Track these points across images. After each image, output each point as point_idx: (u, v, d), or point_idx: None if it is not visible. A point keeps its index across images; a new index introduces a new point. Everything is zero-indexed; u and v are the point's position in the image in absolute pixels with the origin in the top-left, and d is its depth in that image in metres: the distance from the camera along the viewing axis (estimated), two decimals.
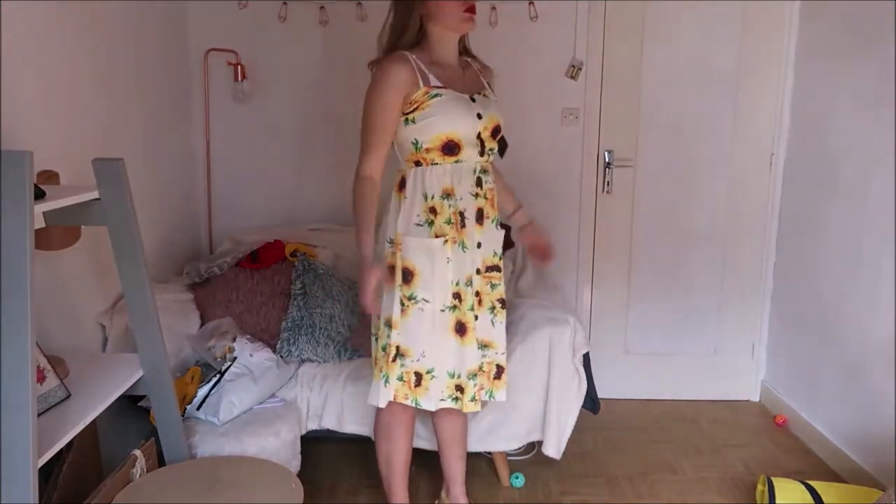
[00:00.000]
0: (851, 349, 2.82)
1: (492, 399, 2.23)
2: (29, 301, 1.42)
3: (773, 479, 2.50)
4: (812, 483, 2.48)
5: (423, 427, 2.56)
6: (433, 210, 2.07)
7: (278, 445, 2.32)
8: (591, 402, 2.68)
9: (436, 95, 2.02)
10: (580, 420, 2.62)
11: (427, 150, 2.05)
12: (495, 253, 2.17)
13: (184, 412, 2.30)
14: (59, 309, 2.26)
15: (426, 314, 2.08)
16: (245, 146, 3.43)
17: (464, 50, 2.21)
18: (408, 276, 2.07)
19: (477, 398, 2.16)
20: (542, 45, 3.31)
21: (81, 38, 2.38)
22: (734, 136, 3.37)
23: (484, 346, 2.17)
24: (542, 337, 2.54)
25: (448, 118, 2.02)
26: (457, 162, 2.06)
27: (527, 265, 3.10)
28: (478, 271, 2.13)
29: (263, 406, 2.47)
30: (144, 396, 2.32)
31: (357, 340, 2.71)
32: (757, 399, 3.56)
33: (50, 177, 1.92)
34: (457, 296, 2.09)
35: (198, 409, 2.33)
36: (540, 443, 2.62)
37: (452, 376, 2.13)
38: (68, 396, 1.79)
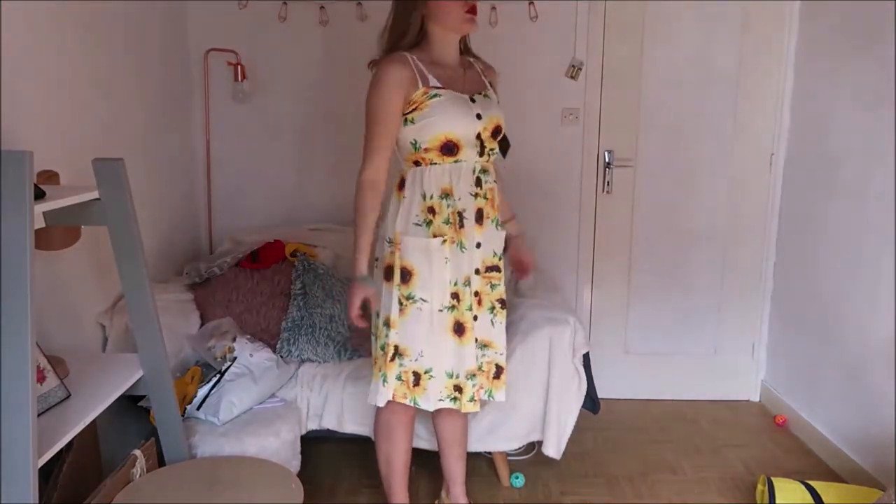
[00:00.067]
0: (851, 349, 2.82)
1: (491, 399, 2.23)
2: (29, 301, 1.42)
3: (773, 479, 2.50)
4: (812, 483, 2.48)
5: (423, 427, 2.56)
6: (431, 210, 2.07)
7: (278, 445, 2.32)
8: (591, 402, 2.68)
9: (434, 96, 2.02)
10: (580, 420, 2.62)
11: (426, 150, 2.05)
12: (495, 253, 2.16)
13: (184, 412, 2.30)
14: (59, 309, 2.26)
15: (424, 314, 2.08)
16: (245, 146, 3.43)
17: (466, 49, 2.21)
18: (406, 275, 2.08)
19: (476, 398, 2.16)
20: (542, 45, 3.31)
21: (81, 38, 2.38)
22: (734, 136, 3.37)
23: (483, 345, 2.17)
24: (542, 337, 2.54)
25: (446, 118, 2.02)
26: (456, 162, 2.07)
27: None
28: (477, 271, 2.13)
29: (263, 406, 2.47)
30: (144, 396, 2.32)
31: (357, 340, 2.71)
32: (757, 399, 3.57)
33: (50, 177, 1.92)
34: (455, 296, 2.09)
35: (198, 409, 2.33)
36: (540, 443, 2.62)
37: (451, 376, 2.13)
38: (68, 396, 1.79)
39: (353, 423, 2.58)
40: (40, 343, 1.75)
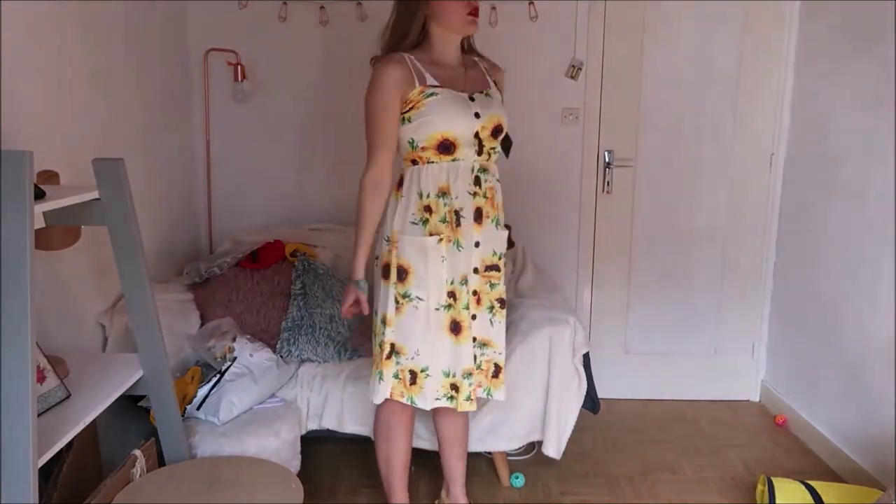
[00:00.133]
0: (851, 349, 2.82)
1: (489, 397, 2.23)
2: (29, 301, 1.42)
3: (773, 479, 2.50)
4: (812, 483, 2.48)
5: (423, 427, 2.56)
6: (428, 208, 2.07)
7: (278, 445, 2.32)
8: (591, 402, 2.68)
9: (431, 95, 2.03)
10: (580, 420, 2.62)
11: (423, 148, 2.05)
12: (495, 252, 2.16)
13: (184, 412, 2.30)
14: (59, 309, 2.26)
15: (420, 312, 2.09)
16: (245, 146, 3.43)
17: (470, 49, 2.21)
18: (402, 273, 2.09)
19: (473, 397, 2.16)
20: (542, 45, 3.31)
21: (81, 38, 2.38)
22: (734, 136, 3.37)
23: (482, 344, 2.17)
24: (542, 337, 2.54)
25: (442, 117, 2.02)
26: (454, 161, 2.07)
27: (527, 265, 3.10)
28: (475, 270, 2.12)
29: (263, 406, 2.47)
30: (144, 396, 2.32)
31: (357, 340, 2.71)
32: (757, 399, 3.57)
33: (50, 177, 1.92)
34: (452, 294, 2.10)
35: (198, 409, 2.33)
36: (540, 443, 2.62)
37: (447, 375, 2.14)
38: (68, 396, 1.79)
39: (353, 423, 2.58)
40: (40, 343, 1.75)
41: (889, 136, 2.60)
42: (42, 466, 1.55)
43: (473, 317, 2.13)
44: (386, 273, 2.11)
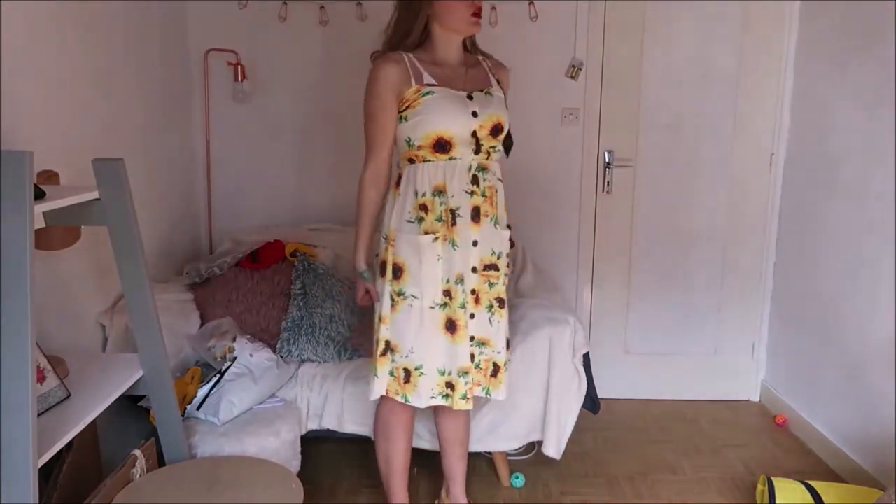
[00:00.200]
0: (851, 349, 2.82)
1: (488, 396, 2.22)
2: (29, 301, 1.42)
3: (773, 479, 2.50)
4: (812, 483, 2.48)
5: (423, 427, 2.56)
6: (424, 207, 2.08)
7: (278, 445, 2.32)
8: (591, 402, 2.68)
9: (427, 93, 2.04)
10: (580, 420, 2.62)
11: (419, 147, 2.06)
12: (493, 251, 2.15)
13: (184, 412, 2.30)
14: (59, 309, 2.26)
15: (415, 310, 2.10)
16: (245, 146, 3.43)
17: (473, 48, 2.21)
18: (398, 271, 2.10)
19: (469, 396, 2.15)
20: (542, 45, 3.31)
21: (81, 38, 2.38)
22: (734, 136, 3.37)
23: (481, 343, 2.16)
24: (542, 337, 2.54)
25: (438, 116, 2.03)
26: (451, 159, 2.07)
27: (527, 265, 3.10)
28: (474, 269, 2.12)
29: (263, 406, 2.47)
30: (144, 396, 2.32)
31: (357, 340, 2.71)
32: (757, 399, 3.56)
33: (50, 177, 1.92)
34: (447, 293, 2.10)
35: (198, 409, 2.33)
36: (540, 443, 2.62)
37: (443, 374, 2.14)
38: (68, 396, 1.79)
39: (353, 423, 2.58)
40: (40, 343, 1.75)
41: (889, 136, 2.60)
42: (42, 466, 1.54)
43: (472, 316, 2.13)
44: (383, 270, 2.13)
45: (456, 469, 2.42)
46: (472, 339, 2.14)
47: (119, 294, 2.56)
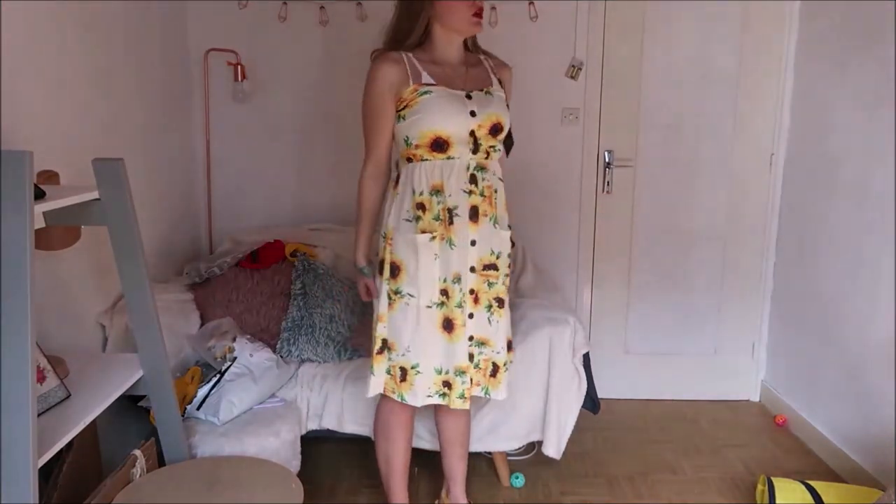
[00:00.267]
0: (851, 349, 2.82)
1: (487, 396, 2.22)
2: (29, 301, 1.42)
3: (773, 479, 2.50)
4: (812, 483, 2.48)
5: (423, 427, 2.56)
6: (421, 206, 2.08)
7: (278, 445, 2.32)
8: (591, 402, 2.68)
9: (425, 93, 2.04)
10: (580, 420, 2.62)
11: (416, 146, 2.07)
12: (493, 251, 2.14)
13: (184, 412, 2.30)
14: (59, 309, 2.26)
15: (411, 309, 2.10)
16: (245, 146, 3.43)
17: (474, 47, 2.21)
18: (395, 270, 2.11)
19: (466, 396, 2.15)
20: (542, 45, 3.31)
21: (81, 38, 2.38)
22: (734, 136, 3.37)
23: (481, 343, 2.16)
24: (542, 337, 2.54)
25: (435, 115, 2.03)
26: (448, 159, 2.07)
27: (527, 265, 3.10)
28: (472, 269, 2.11)
29: (263, 406, 2.47)
30: (144, 396, 2.32)
31: (357, 340, 2.70)
32: (757, 399, 3.56)
33: (50, 177, 1.92)
34: (444, 292, 2.10)
35: (198, 409, 2.33)
36: (540, 443, 2.62)
37: (440, 372, 2.14)
38: (68, 396, 1.79)
39: (353, 423, 2.58)
40: (40, 343, 1.75)
41: (889, 136, 2.60)
42: (42, 466, 1.54)
43: (471, 315, 2.12)
44: (381, 269, 2.14)
45: (456, 469, 2.42)
46: (471, 338, 2.14)
47: (119, 294, 2.56)
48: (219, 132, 3.41)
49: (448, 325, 2.11)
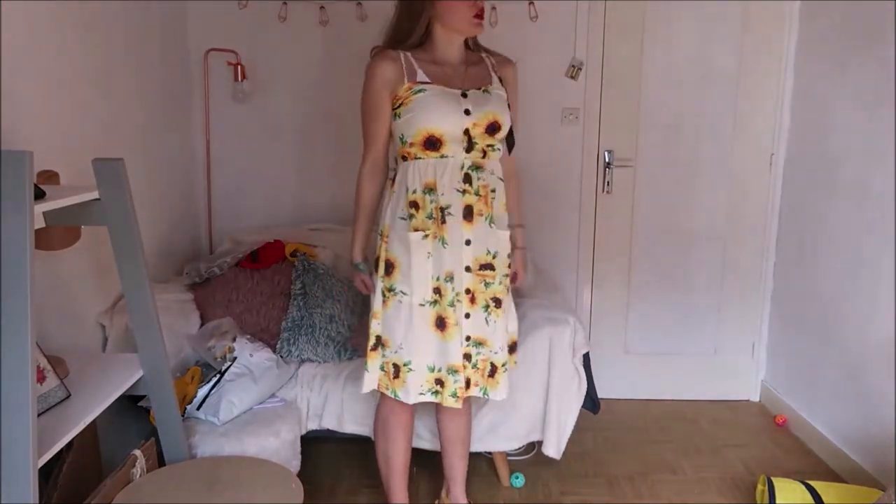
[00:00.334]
0: (851, 349, 2.82)
1: (486, 397, 2.22)
2: (29, 301, 1.42)
3: (773, 479, 2.50)
4: (812, 483, 2.48)
5: (424, 427, 2.56)
6: (414, 204, 2.09)
7: (278, 445, 2.32)
8: (591, 402, 2.68)
9: (419, 91, 2.05)
10: (580, 420, 2.62)
11: (410, 144, 2.07)
12: (489, 251, 2.13)
13: (184, 412, 2.30)
14: (59, 309, 2.26)
15: (404, 307, 2.11)
16: (245, 146, 3.43)
17: (476, 46, 2.21)
18: (389, 268, 2.12)
19: (459, 395, 2.15)
20: (542, 45, 3.31)
21: (81, 38, 2.38)
22: (734, 136, 3.37)
23: (478, 343, 2.16)
24: (542, 337, 2.54)
25: (428, 114, 2.03)
26: (442, 157, 2.07)
27: (527, 265, 3.09)
28: (468, 269, 2.11)
29: (263, 406, 2.47)
30: (144, 396, 2.32)
31: (357, 340, 2.70)
32: (757, 399, 3.56)
33: (50, 177, 1.92)
34: (437, 291, 2.10)
35: (198, 409, 2.33)
36: (540, 443, 2.62)
37: (432, 370, 2.14)
38: (68, 396, 1.79)
39: (353, 423, 2.58)
40: (40, 343, 1.75)
41: (889, 136, 2.60)
42: (42, 466, 1.54)
43: (467, 315, 2.12)
44: (377, 266, 2.16)
45: (456, 469, 2.42)
46: (468, 338, 2.14)
47: (119, 294, 2.56)
48: (219, 132, 3.41)
49: (441, 324, 2.12)
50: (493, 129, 2.10)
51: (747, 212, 3.43)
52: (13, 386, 1.42)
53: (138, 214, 1.88)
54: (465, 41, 2.16)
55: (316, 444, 2.85)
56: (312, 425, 2.59)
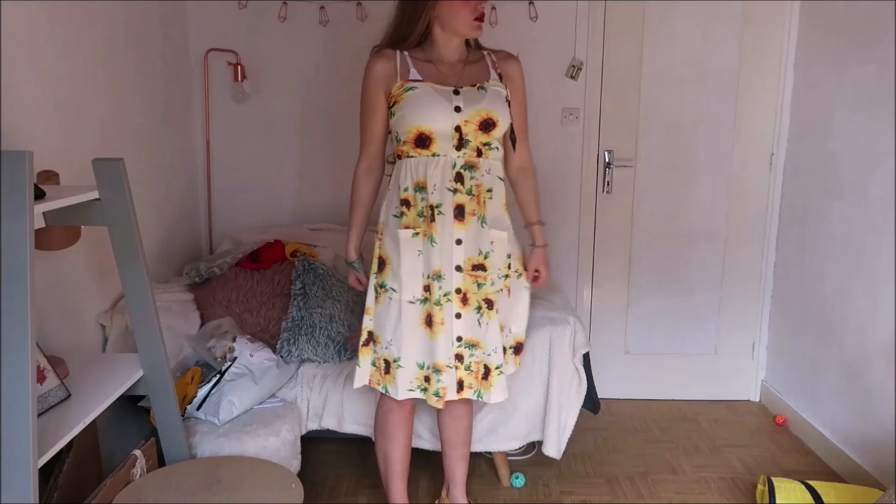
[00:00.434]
0: (851, 349, 2.82)
1: (480, 399, 2.21)
2: (29, 301, 1.42)
3: (773, 479, 2.50)
4: (812, 483, 2.48)
5: (424, 427, 2.56)
6: (406, 202, 2.10)
7: (278, 445, 2.32)
8: (591, 402, 2.68)
9: (410, 89, 2.06)
10: (580, 420, 2.62)
11: (403, 142, 2.09)
12: (480, 251, 2.11)
13: (184, 412, 2.30)
14: (59, 309, 2.26)
15: (394, 304, 2.12)
16: (245, 146, 3.43)
17: (477, 45, 2.21)
18: (382, 264, 2.15)
19: (442, 395, 2.14)
20: (542, 45, 3.30)
21: (81, 38, 2.38)
22: (734, 136, 3.37)
23: (471, 345, 2.14)
24: (542, 337, 2.54)
25: (418, 111, 2.04)
26: (433, 155, 2.07)
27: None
28: (459, 269, 2.09)
29: (263, 406, 2.47)
30: (144, 396, 2.32)
31: (357, 340, 2.70)
32: (757, 399, 3.56)
33: (50, 177, 1.92)
34: (427, 289, 2.11)
35: (198, 409, 2.33)
36: (540, 443, 2.62)
37: (422, 367, 2.15)
38: (68, 396, 1.79)
39: (353, 423, 2.58)
40: (40, 343, 1.75)
41: (889, 136, 2.60)
42: (42, 466, 1.54)
43: (458, 315, 2.11)
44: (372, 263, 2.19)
45: (456, 469, 2.42)
46: (459, 339, 2.13)
47: (119, 294, 2.56)
48: (219, 132, 3.41)
49: (430, 322, 2.12)
50: (486, 126, 2.08)
51: (747, 212, 3.43)
52: (13, 386, 1.42)
53: (138, 214, 1.88)
54: (466, 40, 2.16)
55: (316, 444, 2.85)
56: (312, 425, 2.59)
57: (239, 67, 3.26)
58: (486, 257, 2.12)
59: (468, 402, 2.34)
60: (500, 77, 2.18)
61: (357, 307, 2.76)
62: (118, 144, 2.61)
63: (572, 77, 3.34)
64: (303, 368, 2.62)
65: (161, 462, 2.13)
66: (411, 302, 2.11)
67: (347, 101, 3.18)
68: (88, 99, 2.44)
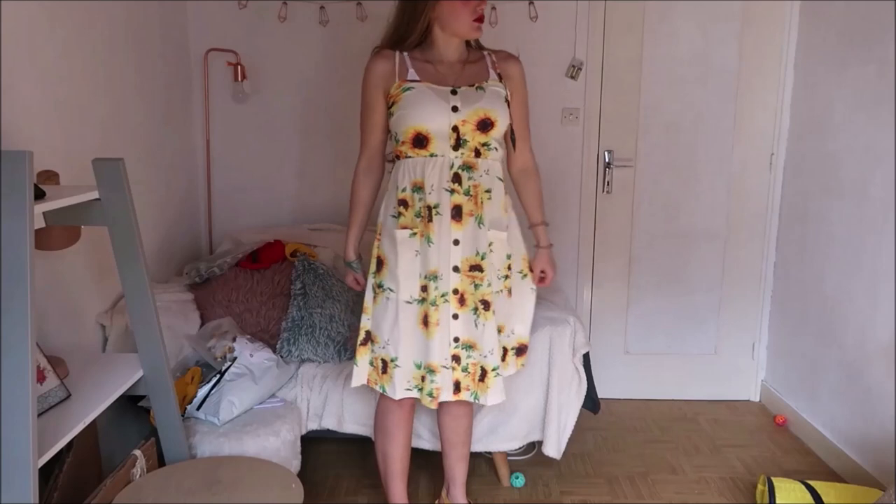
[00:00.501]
0: (851, 349, 2.82)
1: (477, 401, 2.20)
2: (29, 301, 1.42)
3: (773, 479, 2.50)
4: (812, 483, 2.48)
5: (423, 427, 2.56)
6: (404, 202, 2.10)
7: (278, 445, 2.32)
8: (591, 402, 2.68)
9: (407, 89, 2.06)
10: (580, 420, 2.62)
11: (402, 142, 2.09)
12: (478, 252, 2.10)
13: (184, 412, 2.30)
14: (59, 309, 2.26)
15: (391, 304, 2.12)
16: (245, 146, 3.43)
17: (477, 45, 2.21)
18: (380, 264, 2.15)
19: (435, 396, 2.14)
20: (542, 45, 3.30)
21: (81, 38, 2.38)
22: (734, 135, 3.37)
23: (468, 346, 2.14)
24: (542, 337, 2.54)
25: (415, 111, 2.04)
26: (430, 156, 2.07)
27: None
28: (456, 269, 2.09)
29: (263, 406, 2.46)
30: (144, 396, 2.32)
31: (356, 340, 2.70)
32: (757, 399, 3.56)
33: (50, 177, 1.92)
34: (425, 289, 2.11)
35: (198, 409, 2.33)
36: (540, 443, 2.62)
37: (419, 367, 2.15)
38: (68, 396, 1.79)
39: (353, 423, 2.58)
40: (40, 343, 1.75)
41: (889, 136, 2.60)
42: (42, 466, 1.54)
43: (455, 316, 2.11)
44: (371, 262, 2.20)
45: (456, 469, 2.42)
46: (456, 340, 2.12)
47: (119, 294, 2.56)
48: (219, 132, 3.41)
49: (426, 322, 2.12)
50: (484, 125, 2.07)
51: (747, 212, 3.43)
52: (13, 386, 1.42)
53: (138, 214, 1.88)
54: (467, 40, 2.16)
55: (316, 444, 2.85)
56: (312, 425, 2.59)
57: (239, 67, 3.26)
58: (483, 258, 2.11)
59: (468, 402, 2.33)
60: (500, 77, 2.17)
61: (357, 307, 2.76)
62: (118, 144, 2.61)
63: (572, 77, 3.34)
64: (303, 368, 2.62)
65: (161, 462, 2.13)
66: (408, 302, 2.11)
67: (347, 101, 3.18)
68: (88, 99, 2.44)
